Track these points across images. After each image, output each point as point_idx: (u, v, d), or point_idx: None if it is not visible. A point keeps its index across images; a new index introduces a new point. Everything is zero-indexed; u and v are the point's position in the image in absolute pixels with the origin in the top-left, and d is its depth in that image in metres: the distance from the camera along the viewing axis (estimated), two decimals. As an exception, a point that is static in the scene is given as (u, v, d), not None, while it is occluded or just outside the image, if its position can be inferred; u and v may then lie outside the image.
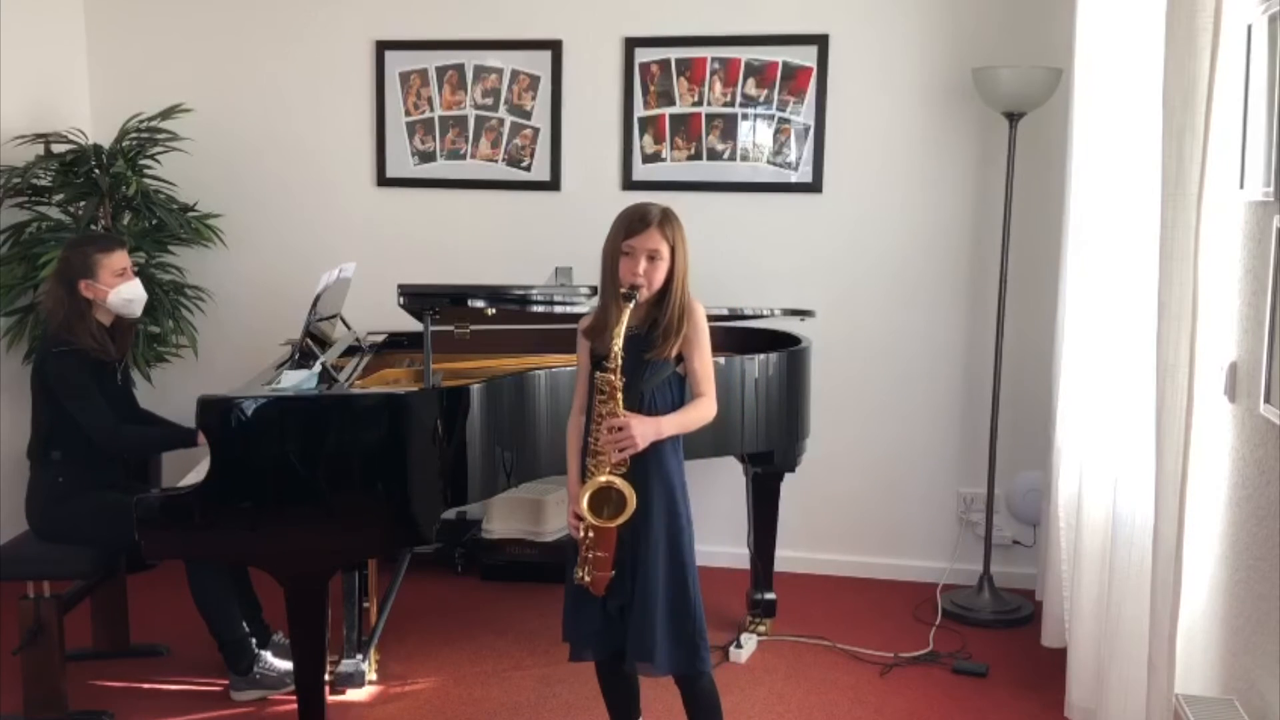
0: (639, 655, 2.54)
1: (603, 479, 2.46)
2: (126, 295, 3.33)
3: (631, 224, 2.48)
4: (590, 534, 2.48)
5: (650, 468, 2.52)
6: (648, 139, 4.37)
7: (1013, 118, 3.88)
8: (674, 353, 2.52)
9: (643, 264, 2.46)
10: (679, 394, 2.57)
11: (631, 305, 2.45)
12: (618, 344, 2.42)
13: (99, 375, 3.26)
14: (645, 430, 2.45)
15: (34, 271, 4.09)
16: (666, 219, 2.50)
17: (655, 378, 2.52)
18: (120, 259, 3.33)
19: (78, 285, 3.25)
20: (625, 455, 2.45)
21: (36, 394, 3.27)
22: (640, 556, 2.52)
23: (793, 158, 4.30)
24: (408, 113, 4.54)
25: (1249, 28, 2.19)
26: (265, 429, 2.84)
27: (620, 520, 2.45)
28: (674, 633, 2.53)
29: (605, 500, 2.46)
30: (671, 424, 2.51)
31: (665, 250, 2.48)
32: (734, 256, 4.29)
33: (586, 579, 2.53)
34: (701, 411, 2.57)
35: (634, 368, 2.49)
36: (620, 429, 2.44)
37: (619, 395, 2.45)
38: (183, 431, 3.35)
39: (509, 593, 4.20)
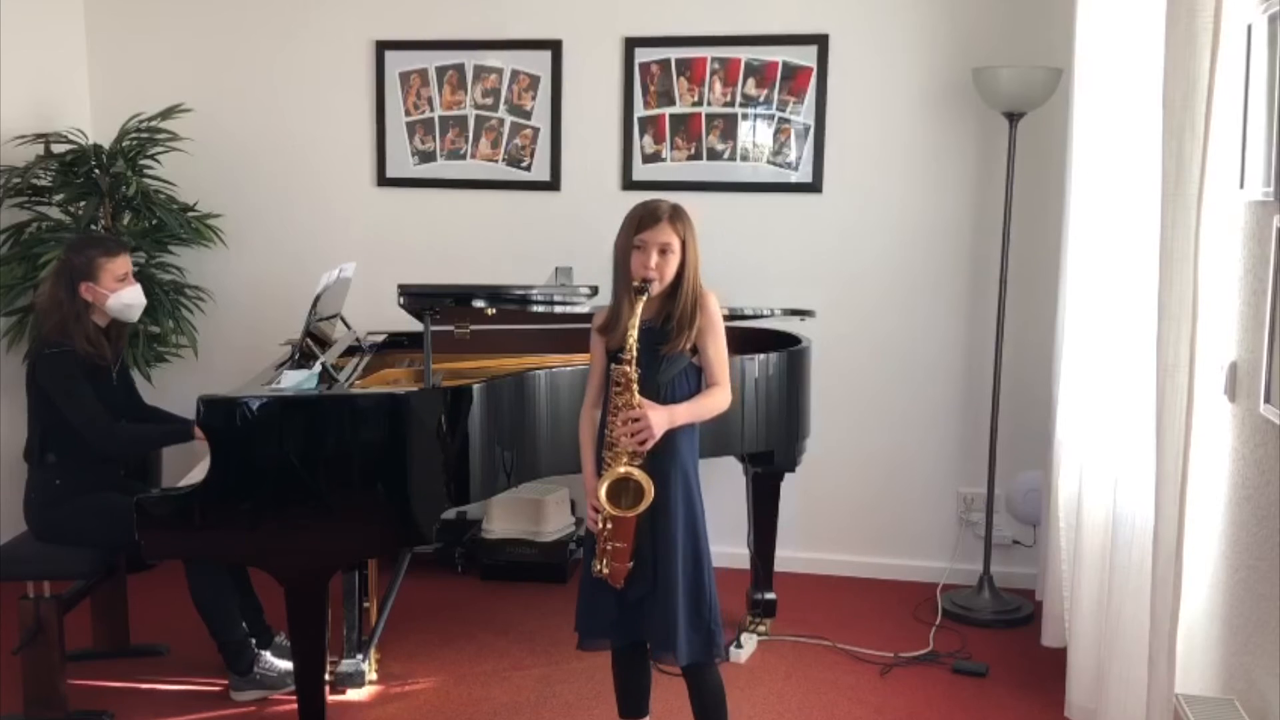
0: (661, 646, 2.58)
1: (621, 470, 2.48)
2: (126, 300, 3.31)
3: (642, 219, 2.52)
4: (609, 525, 2.50)
5: (667, 458, 2.54)
6: (648, 139, 4.37)
7: (1013, 118, 3.88)
8: (689, 345, 2.55)
9: (654, 258, 2.50)
10: (696, 384, 2.60)
11: (644, 299, 2.48)
12: (633, 335, 2.45)
13: (93, 377, 3.25)
14: (659, 419, 2.48)
15: (34, 271, 4.09)
16: (677, 214, 2.55)
17: (671, 370, 2.54)
18: (123, 264, 3.31)
19: (78, 287, 3.23)
20: (643, 446, 2.47)
21: (32, 397, 3.26)
22: (660, 547, 2.54)
23: (793, 158, 4.29)
24: (408, 113, 4.53)
25: (1249, 28, 2.19)
26: (265, 429, 2.84)
27: (639, 510, 2.46)
28: (691, 621, 2.56)
29: (623, 491, 2.48)
30: (684, 412, 2.54)
31: (676, 244, 2.52)
32: (734, 256, 4.28)
33: (605, 571, 2.54)
34: (715, 400, 2.59)
35: (650, 361, 2.52)
36: (637, 419, 2.46)
37: (634, 387, 2.47)
38: (179, 426, 3.35)
39: (509, 593, 4.20)
